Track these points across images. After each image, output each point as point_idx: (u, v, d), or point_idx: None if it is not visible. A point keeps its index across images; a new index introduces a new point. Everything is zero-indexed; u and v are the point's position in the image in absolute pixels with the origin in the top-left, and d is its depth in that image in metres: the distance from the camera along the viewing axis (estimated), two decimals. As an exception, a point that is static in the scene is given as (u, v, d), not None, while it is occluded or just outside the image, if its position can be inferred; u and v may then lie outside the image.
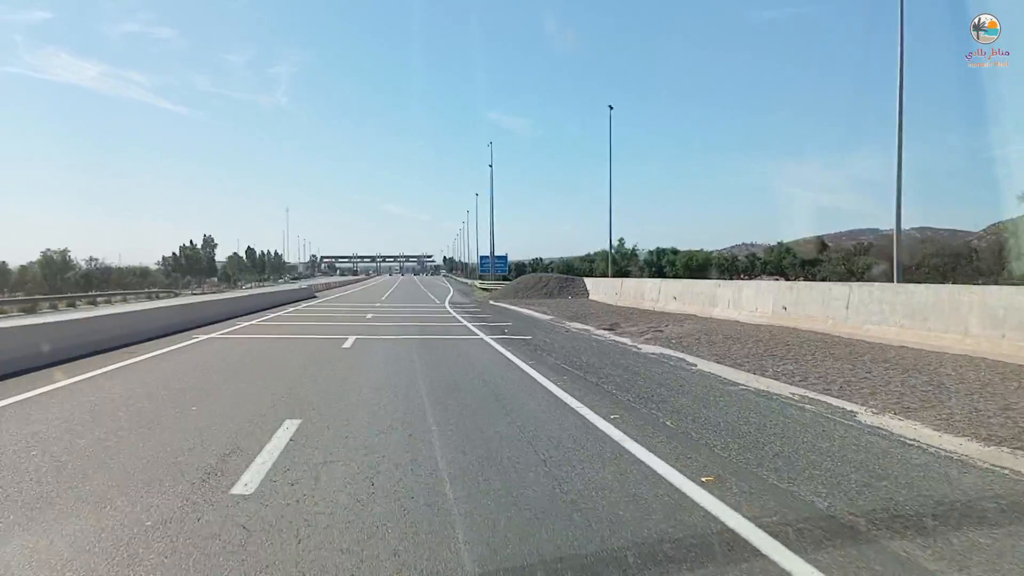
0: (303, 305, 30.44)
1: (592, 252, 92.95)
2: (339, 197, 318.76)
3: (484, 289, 54.01)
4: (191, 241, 79.00)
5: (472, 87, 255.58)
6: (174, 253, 75.91)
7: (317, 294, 44.63)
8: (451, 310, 27.37)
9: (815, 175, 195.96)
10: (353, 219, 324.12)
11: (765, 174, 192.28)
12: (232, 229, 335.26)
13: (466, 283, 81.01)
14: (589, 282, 36.80)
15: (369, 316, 22.83)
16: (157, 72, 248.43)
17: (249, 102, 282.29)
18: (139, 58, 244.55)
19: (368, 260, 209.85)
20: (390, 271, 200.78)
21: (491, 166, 61.26)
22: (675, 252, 78.65)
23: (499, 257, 64.70)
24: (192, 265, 72.13)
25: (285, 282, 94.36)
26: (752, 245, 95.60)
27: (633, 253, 65.34)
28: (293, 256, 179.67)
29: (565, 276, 39.87)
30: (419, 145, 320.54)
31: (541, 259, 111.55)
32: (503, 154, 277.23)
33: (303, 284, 43.53)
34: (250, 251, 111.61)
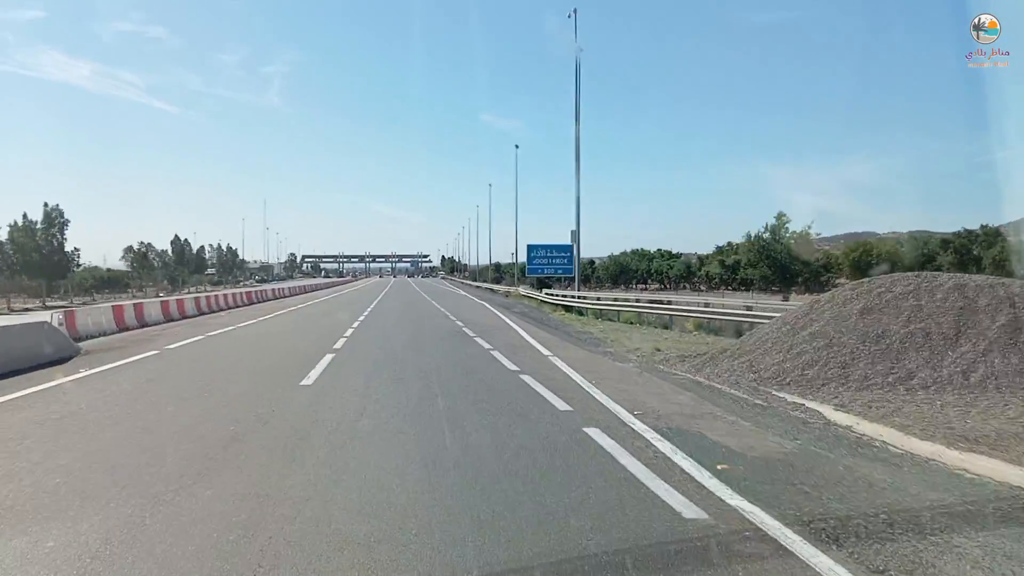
0: None
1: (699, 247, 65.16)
2: (329, 197, 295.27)
3: (565, 308, 25.75)
4: (25, 215, 40.00)
5: (468, 89, 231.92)
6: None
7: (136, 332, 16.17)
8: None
9: (807, 177, 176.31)
10: (343, 219, 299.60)
11: (757, 176, 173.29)
12: (223, 229, 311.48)
13: (492, 290, 51.90)
14: None
15: None
16: (149, 71, 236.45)
17: (241, 101, 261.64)
18: (131, 57, 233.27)
19: (356, 260, 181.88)
20: (380, 272, 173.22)
21: (577, 77, 32.60)
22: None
23: (564, 248, 35.15)
24: (18, 259, 37.95)
25: (248, 284, 67.92)
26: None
27: (806, 238, 36.17)
28: (265, 254, 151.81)
29: None
30: (413, 145, 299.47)
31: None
32: (502, 158, 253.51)
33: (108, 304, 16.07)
34: (179, 243, 74.85)
